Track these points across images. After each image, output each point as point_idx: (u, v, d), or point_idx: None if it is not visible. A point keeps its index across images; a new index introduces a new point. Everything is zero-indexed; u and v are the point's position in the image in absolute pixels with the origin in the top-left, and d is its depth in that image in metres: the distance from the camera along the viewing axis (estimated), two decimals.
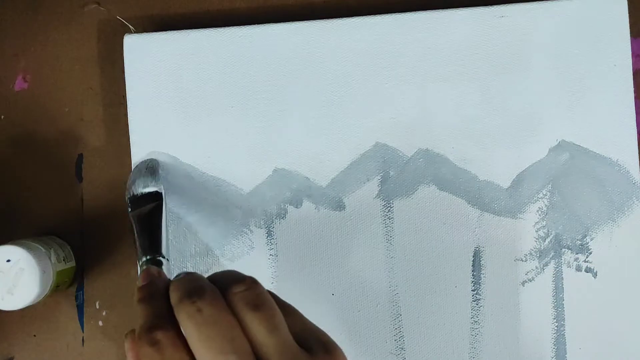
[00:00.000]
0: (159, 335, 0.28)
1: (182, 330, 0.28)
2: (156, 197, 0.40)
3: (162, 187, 0.41)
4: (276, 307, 0.29)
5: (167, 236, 0.38)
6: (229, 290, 0.29)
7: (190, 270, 0.43)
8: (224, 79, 0.44)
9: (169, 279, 0.33)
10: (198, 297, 0.28)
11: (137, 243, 0.37)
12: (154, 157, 0.44)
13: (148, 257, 0.36)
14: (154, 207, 0.40)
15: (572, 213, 0.43)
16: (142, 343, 0.28)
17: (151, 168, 0.42)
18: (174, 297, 0.29)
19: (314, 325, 0.31)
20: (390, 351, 0.43)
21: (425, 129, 0.43)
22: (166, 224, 0.39)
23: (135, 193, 0.40)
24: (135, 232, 0.38)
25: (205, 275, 0.31)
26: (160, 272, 0.34)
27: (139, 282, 0.32)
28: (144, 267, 0.35)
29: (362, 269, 0.43)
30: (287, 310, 0.30)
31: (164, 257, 0.36)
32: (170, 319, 0.29)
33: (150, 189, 0.40)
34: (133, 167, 0.43)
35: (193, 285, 0.29)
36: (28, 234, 0.46)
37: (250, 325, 0.28)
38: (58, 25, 0.47)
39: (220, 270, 0.43)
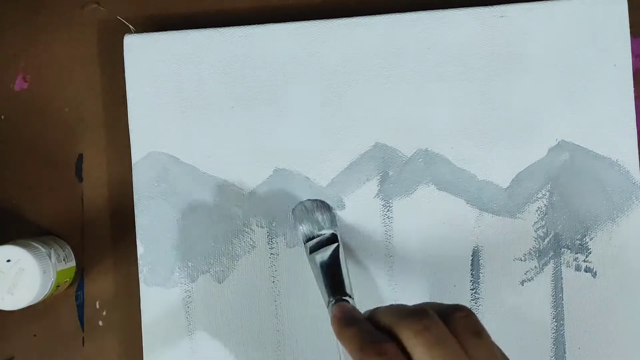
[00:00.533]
0: (386, 346, 0.29)
1: (406, 346, 0.29)
2: (332, 238, 0.42)
3: (336, 228, 0.42)
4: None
5: (348, 274, 0.40)
6: (451, 315, 0.30)
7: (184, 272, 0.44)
8: (224, 79, 0.44)
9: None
10: (424, 316, 0.29)
11: (322, 285, 0.39)
12: (154, 157, 0.44)
13: (336, 298, 0.38)
14: (333, 249, 0.41)
15: (572, 213, 0.43)
16: (369, 353, 0.29)
17: (321, 209, 0.43)
18: (391, 317, 0.30)
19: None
20: None
21: (425, 129, 0.44)
22: (345, 263, 0.40)
23: (311, 236, 0.42)
24: (319, 275, 0.40)
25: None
26: (354, 307, 0.36)
27: (337, 314, 0.34)
28: (336, 304, 0.37)
29: (362, 269, 0.43)
30: None
31: (350, 297, 0.38)
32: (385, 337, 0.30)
33: (325, 231, 0.42)
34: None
35: (413, 308, 0.30)
36: (28, 234, 0.46)
37: (473, 350, 0.29)
38: (58, 25, 0.47)
39: (220, 268, 0.43)
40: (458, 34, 0.43)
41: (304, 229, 0.42)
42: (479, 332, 0.30)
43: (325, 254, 0.41)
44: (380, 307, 0.32)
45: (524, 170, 0.43)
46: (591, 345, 0.43)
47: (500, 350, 0.31)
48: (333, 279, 0.39)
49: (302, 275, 0.43)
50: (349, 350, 0.31)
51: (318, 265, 0.40)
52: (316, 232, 0.42)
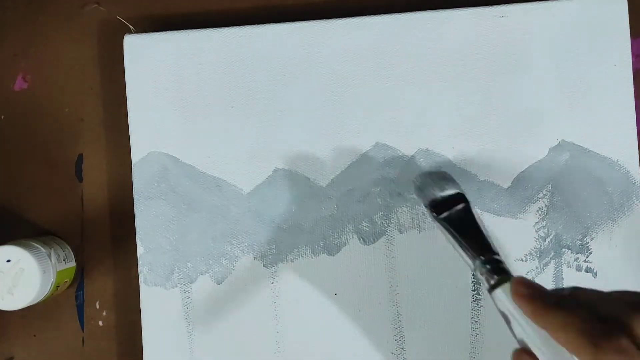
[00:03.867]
0: (624, 342, 0.27)
1: None
2: (459, 198, 0.39)
3: (461, 187, 0.40)
4: None
5: (487, 233, 0.37)
6: None
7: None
8: (224, 79, 0.44)
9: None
10: None
11: (460, 248, 0.36)
12: (154, 157, 0.44)
13: (483, 259, 0.35)
14: (463, 207, 0.38)
15: (572, 213, 0.43)
16: (606, 349, 0.27)
17: (442, 174, 0.41)
18: (618, 308, 0.29)
19: None
20: (391, 351, 0.43)
21: (426, 129, 0.43)
22: (482, 222, 0.38)
23: (434, 198, 0.39)
24: (455, 237, 0.37)
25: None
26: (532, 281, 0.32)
27: (523, 291, 0.31)
28: (484, 268, 0.34)
29: (363, 269, 0.43)
30: None
31: (499, 255, 0.35)
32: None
33: (450, 191, 0.40)
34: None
35: None
36: (28, 234, 0.46)
37: None
38: (58, 25, 0.47)
39: (219, 269, 0.43)
40: (458, 34, 0.43)
41: (426, 192, 0.40)
42: None
43: (453, 212, 0.38)
44: (591, 293, 0.29)
45: (524, 171, 0.43)
46: None
47: None
48: (472, 237, 0.36)
49: (303, 277, 0.43)
50: (566, 339, 0.28)
51: (449, 226, 0.37)
52: (439, 194, 0.39)
